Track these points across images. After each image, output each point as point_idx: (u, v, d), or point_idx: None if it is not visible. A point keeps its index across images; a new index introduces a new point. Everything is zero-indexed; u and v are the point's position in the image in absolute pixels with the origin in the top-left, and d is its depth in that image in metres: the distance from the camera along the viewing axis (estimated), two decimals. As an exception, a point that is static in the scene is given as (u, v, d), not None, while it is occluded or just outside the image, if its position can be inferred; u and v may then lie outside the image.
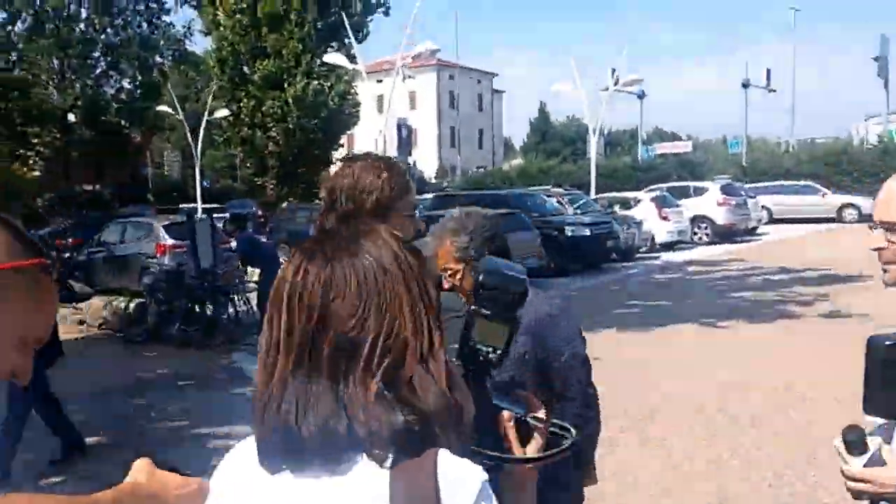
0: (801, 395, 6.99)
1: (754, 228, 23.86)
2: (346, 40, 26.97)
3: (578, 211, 19.56)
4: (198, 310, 11.15)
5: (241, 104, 32.04)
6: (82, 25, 35.70)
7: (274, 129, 31.89)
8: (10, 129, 30.49)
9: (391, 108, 22.30)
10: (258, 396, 0.96)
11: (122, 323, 11.76)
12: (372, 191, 1.78)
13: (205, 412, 7.13)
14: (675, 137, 55.34)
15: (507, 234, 10.61)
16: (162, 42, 36.57)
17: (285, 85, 31.82)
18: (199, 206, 25.38)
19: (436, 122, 61.57)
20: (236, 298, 11.33)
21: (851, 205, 26.05)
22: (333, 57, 23.79)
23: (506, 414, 1.16)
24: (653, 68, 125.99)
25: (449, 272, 2.37)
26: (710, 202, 22.10)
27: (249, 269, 12.23)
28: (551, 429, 1.20)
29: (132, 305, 11.78)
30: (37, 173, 32.69)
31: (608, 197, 23.18)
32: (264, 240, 15.17)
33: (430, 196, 24.27)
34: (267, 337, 0.97)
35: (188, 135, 31.19)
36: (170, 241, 15.21)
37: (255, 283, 11.56)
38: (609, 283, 15.44)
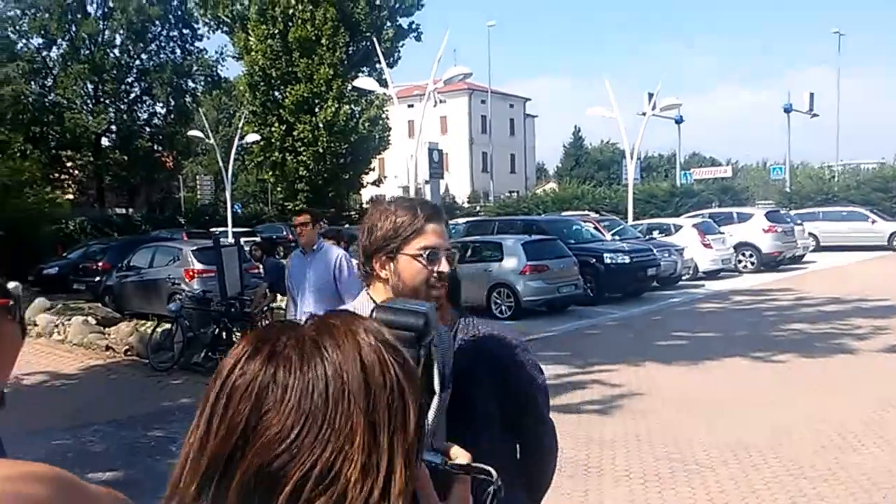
0: (864, 436, 6.44)
1: (801, 256, 23.01)
2: (377, 65, 26.77)
3: (616, 237, 19.03)
4: (224, 336, 10.75)
5: (272, 128, 32.05)
6: (117, 51, 36.11)
7: (304, 153, 31.81)
8: (44, 153, 30.78)
9: (422, 132, 21.96)
10: None
11: (147, 349, 11.41)
12: (378, 230, 1.86)
13: None
14: (713, 163, 54.51)
15: (544, 262, 9.77)
16: (195, 68, 36.80)
17: (316, 109, 31.75)
18: (230, 229, 25.24)
19: (467, 147, 61.32)
20: (263, 325, 10.85)
21: (903, 232, 25.20)
22: (363, 81, 23.64)
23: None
24: (690, 93, 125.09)
25: None
26: (755, 229, 21.30)
27: (278, 295, 11.80)
28: (474, 474, 1.02)
29: (158, 331, 11.41)
30: (70, 196, 32.94)
31: (647, 223, 22.56)
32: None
33: (461, 221, 23.87)
34: (185, 447, 0.74)
35: (219, 158, 31.22)
36: (199, 266, 15.00)
37: (283, 309, 11.11)
38: (651, 312, 14.84)
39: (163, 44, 36.81)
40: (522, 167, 67.14)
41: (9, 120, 28.41)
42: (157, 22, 35.86)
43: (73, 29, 34.38)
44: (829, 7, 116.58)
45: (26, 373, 10.34)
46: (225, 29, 34.41)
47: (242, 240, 16.62)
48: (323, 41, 31.73)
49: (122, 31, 35.35)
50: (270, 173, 33.61)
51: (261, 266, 11.84)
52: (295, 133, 31.82)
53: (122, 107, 36.33)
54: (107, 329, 12.94)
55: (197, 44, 37.45)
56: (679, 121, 36.96)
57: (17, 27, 33.69)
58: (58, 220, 26.14)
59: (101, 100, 35.84)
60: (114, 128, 35.63)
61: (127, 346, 12.03)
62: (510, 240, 15.20)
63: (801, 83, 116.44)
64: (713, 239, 20.02)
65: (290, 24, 31.91)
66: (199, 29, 36.53)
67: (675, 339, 11.77)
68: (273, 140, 32.20)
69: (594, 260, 15.93)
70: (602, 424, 7.09)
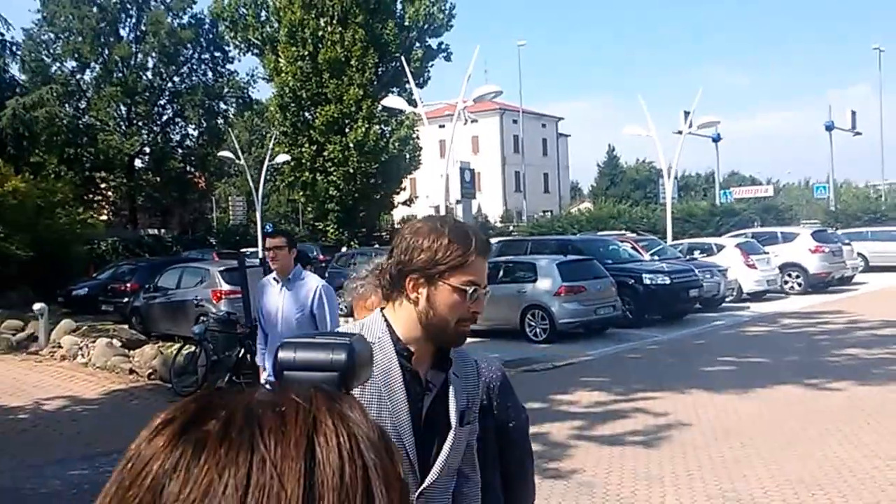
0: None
1: (851, 277, 22.21)
2: (407, 85, 26.61)
3: (656, 257, 18.49)
4: (249, 359, 10.38)
5: (303, 149, 32.03)
6: (149, 74, 36.52)
7: (334, 173, 31.72)
8: (78, 174, 31.03)
9: (452, 151, 21.63)
10: None
11: (171, 373, 11.13)
12: (423, 251, 1.75)
13: None
14: (753, 182, 53.62)
15: (580, 283, 9.16)
16: (226, 90, 37.02)
17: (346, 130, 31.68)
18: (260, 249, 25.01)
19: (500, 167, 61.04)
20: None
21: (955, 252, 24.23)
22: (392, 100, 23.50)
23: None
24: (727, 112, 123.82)
25: None
26: (802, 249, 20.57)
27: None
28: None
29: (182, 354, 11.11)
30: (104, 217, 33.12)
31: (688, 242, 21.96)
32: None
33: (494, 241, 23.49)
34: None
35: (249, 179, 31.24)
36: (226, 287, 14.80)
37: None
38: (694, 336, 14.29)
39: (194, 66, 37.14)
40: (556, 186, 66.72)
41: (43, 142, 28.65)
42: (188, 45, 36.20)
43: (106, 52, 34.82)
44: (867, 23, 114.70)
45: (46, 398, 10.17)
46: (255, 51, 34.58)
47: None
48: (352, 62, 31.72)
49: (154, 54, 35.74)
50: (301, 193, 33.55)
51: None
52: (325, 153, 31.75)
53: (155, 128, 36.68)
54: (131, 351, 12.78)
55: (228, 66, 37.86)
56: (717, 139, 36.42)
57: (51, 51, 34.24)
58: (90, 241, 26.17)
59: (134, 122, 36.21)
60: (147, 149, 35.94)
61: (151, 370, 11.85)
62: (544, 260, 14.84)
63: (842, 101, 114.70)
64: (757, 259, 19.40)
65: (320, 45, 31.94)
66: (229, 51, 36.84)
67: (721, 364, 11.26)
68: (303, 160, 32.18)
69: (633, 280, 15.49)
70: (648, 458, 6.64)
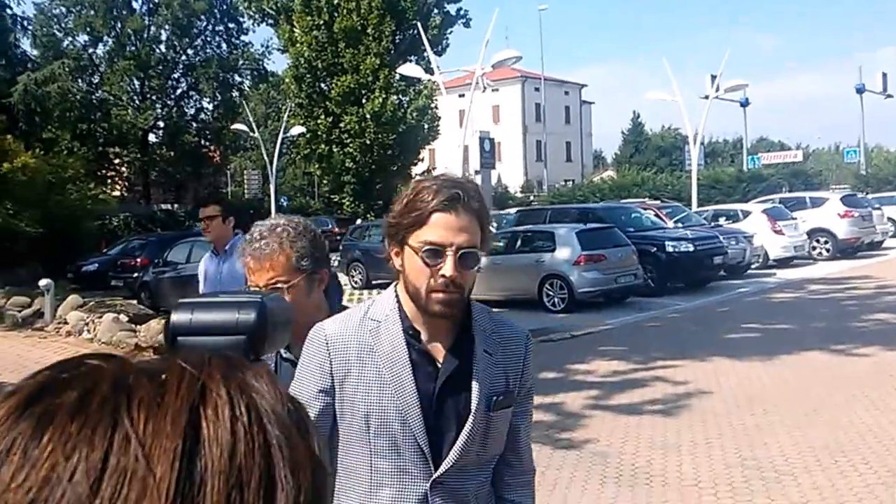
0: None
1: (881, 242, 21.70)
2: (425, 54, 26.10)
3: (679, 224, 18.03)
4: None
5: (319, 121, 31.66)
6: (162, 47, 36.31)
7: (351, 144, 31.34)
8: (91, 150, 30.93)
9: (472, 120, 21.20)
10: None
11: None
12: (392, 213, 1.68)
13: None
14: (782, 147, 52.64)
15: (600, 251, 8.55)
16: (241, 62, 36.68)
17: (363, 100, 31.24)
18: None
19: (521, 136, 60.46)
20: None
21: None
22: (409, 68, 23.11)
23: None
24: (755, 76, 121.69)
25: (276, 285, 1.99)
26: (831, 214, 20.01)
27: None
28: None
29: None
30: (117, 193, 33.07)
31: (713, 209, 21.49)
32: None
33: (513, 211, 23.20)
34: None
35: (264, 153, 30.99)
36: None
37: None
38: (718, 303, 13.93)
39: (208, 38, 36.83)
40: (579, 155, 66.08)
41: (55, 118, 28.50)
42: (202, 17, 35.90)
43: (119, 26, 34.59)
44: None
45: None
46: (270, 21, 34.19)
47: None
48: (369, 31, 31.24)
49: (167, 27, 35.48)
50: (317, 166, 33.29)
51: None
52: (341, 125, 31.38)
53: (169, 102, 36.53)
54: (138, 326, 12.62)
55: (242, 37, 37.55)
56: (745, 104, 35.82)
57: (63, 25, 34.05)
58: (101, 217, 26.08)
59: (148, 96, 36.06)
60: (161, 123, 35.81)
61: (157, 344, 11.66)
62: (563, 228, 14.55)
63: (872, 64, 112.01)
64: (784, 225, 18.89)
65: (336, 14, 31.47)
66: (244, 23, 36.49)
67: (745, 331, 10.96)
68: (319, 132, 31.84)
69: (655, 248, 15.11)
70: (665, 426, 6.45)
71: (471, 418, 1.65)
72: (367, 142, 31.21)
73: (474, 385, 1.66)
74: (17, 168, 20.28)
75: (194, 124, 36.86)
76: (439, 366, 1.67)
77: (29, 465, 0.41)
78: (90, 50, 35.00)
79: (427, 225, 1.61)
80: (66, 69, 26.59)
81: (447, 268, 1.59)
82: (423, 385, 1.65)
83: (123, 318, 13.18)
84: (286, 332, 0.78)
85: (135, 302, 16.31)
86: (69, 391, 0.43)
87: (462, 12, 34.25)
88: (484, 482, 1.73)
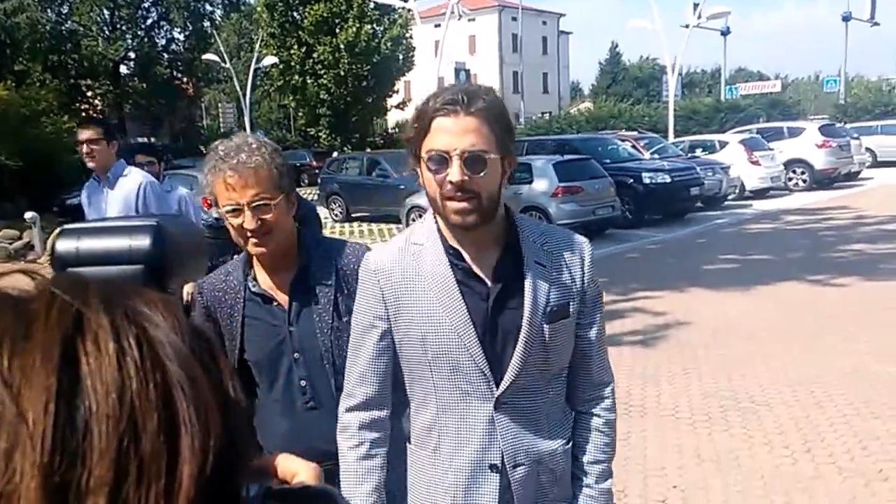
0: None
1: (857, 173, 21.72)
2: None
3: (656, 156, 17.96)
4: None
5: (292, 51, 30.94)
6: (131, -26, 35.00)
7: (325, 76, 30.73)
8: (63, 82, 30.16)
9: (446, 51, 20.84)
10: None
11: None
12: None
13: None
14: (761, 77, 52.36)
15: (577, 183, 8.59)
16: (212, -11, 35.60)
17: (336, 30, 30.50)
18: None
19: (497, 67, 59.63)
20: None
21: (967, 146, 23.82)
22: (384, -6, 22.46)
23: None
24: (738, 2, 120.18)
25: (260, 203, 1.88)
26: (808, 144, 19.96)
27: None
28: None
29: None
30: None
31: (689, 140, 21.39)
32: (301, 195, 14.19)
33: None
34: None
35: (237, 85, 30.35)
36: None
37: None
38: (695, 235, 14.00)
39: (179, -35, 35.54)
40: (556, 87, 65.40)
41: (26, 49, 27.66)
42: (171, -58, 34.55)
43: (86, -48, 33.29)
44: None
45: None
46: (241, -54, 33.05)
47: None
48: (343, -44, 30.28)
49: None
50: (291, 98, 32.68)
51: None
52: (315, 55, 30.70)
53: (140, 33, 35.51)
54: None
55: (215, -36, 36.12)
56: (725, 32, 35.40)
57: (28, -49, 32.65)
58: (77, 150, 25.58)
59: (118, 26, 35.01)
60: (132, 55, 34.85)
61: None
62: (540, 160, 14.35)
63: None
64: (761, 155, 18.84)
65: (308, -62, 30.43)
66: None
67: (723, 262, 11.03)
68: (293, 63, 31.16)
69: (632, 180, 15.04)
70: (645, 357, 6.52)
71: (524, 333, 1.62)
72: (342, 73, 30.59)
73: (526, 298, 1.63)
74: (-11, 100, 19.81)
75: (165, 55, 35.90)
76: (488, 284, 1.64)
77: None
78: (58, -21, 33.79)
79: (430, 133, 1.58)
80: (35, -1, 25.77)
81: (453, 173, 1.55)
82: (474, 305, 1.63)
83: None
84: (198, 260, 0.71)
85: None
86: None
87: (438, -63, 33.38)
88: (555, 399, 1.71)
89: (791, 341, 6.75)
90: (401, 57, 32.42)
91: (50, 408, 0.35)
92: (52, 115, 23.26)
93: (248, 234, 1.89)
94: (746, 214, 16.34)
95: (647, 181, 15.09)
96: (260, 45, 31.13)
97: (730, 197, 17.78)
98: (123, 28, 35.24)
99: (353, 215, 17.78)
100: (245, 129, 28.20)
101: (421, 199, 15.14)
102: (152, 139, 35.30)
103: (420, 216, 11.92)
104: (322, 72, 30.82)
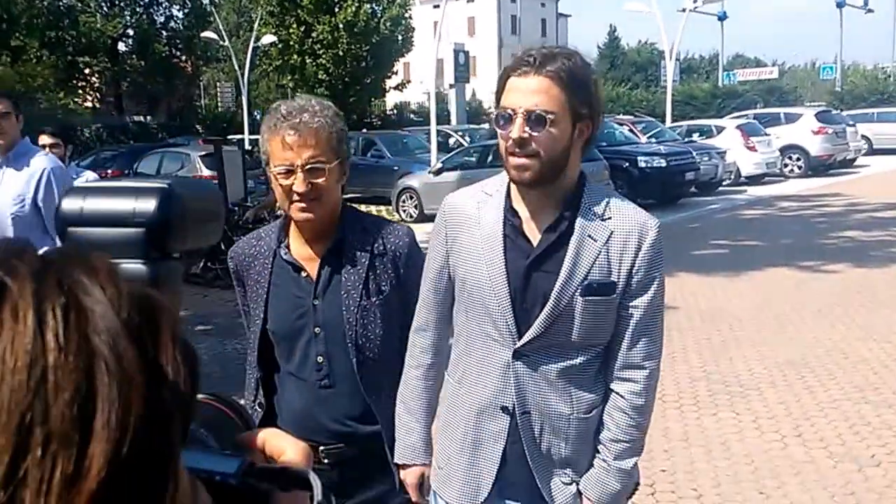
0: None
1: (853, 160, 21.74)
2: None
3: (653, 140, 17.97)
4: (224, 247, 10.09)
5: (291, 30, 30.71)
6: (130, -50, 34.71)
7: (324, 55, 30.54)
8: (61, 59, 29.98)
9: (445, 32, 20.72)
10: None
11: (146, 260, 10.89)
12: None
13: (214, 363, 6.07)
14: (758, 64, 52.21)
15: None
16: (211, -34, 35.30)
17: (335, 9, 30.29)
18: (247, 137, 24.38)
19: (496, 50, 59.35)
20: None
21: (964, 135, 23.81)
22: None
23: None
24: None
25: (316, 165, 1.85)
26: (804, 131, 19.99)
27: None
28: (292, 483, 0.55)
29: (156, 241, 10.86)
30: (90, 104, 32.28)
31: (686, 125, 21.40)
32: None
33: (487, 126, 23.00)
34: None
35: (235, 64, 30.17)
36: (207, 172, 14.55)
37: (287, 218, 10.42)
38: (688, 220, 14.02)
39: (178, -59, 35.26)
40: (555, 71, 65.07)
41: (23, 24, 27.46)
42: (170, -83, 34.26)
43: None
44: None
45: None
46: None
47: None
48: (343, -66, 29.98)
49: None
50: (289, 78, 32.42)
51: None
52: (314, 34, 30.42)
53: (138, 9, 35.18)
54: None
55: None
56: (722, 17, 35.31)
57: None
58: (73, 127, 25.49)
59: (117, 2, 34.70)
60: (130, 32, 34.58)
61: None
62: None
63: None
64: (758, 141, 18.88)
65: (308, -85, 30.08)
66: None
67: (713, 248, 11.06)
68: (291, 42, 30.88)
69: (627, 164, 15.09)
70: None
71: (553, 299, 1.67)
72: (340, 53, 30.36)
73: (564, 267, 1.66)
74: (-19, 75, 19.74)
75: (164, 33, 35.60)
76: (533, 244, 1.70)
77: None
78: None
79: (508, 89, 1.66)
80: (32, -27, 25.57)
81: (514, 130, 1.61)
82: (513, 261, 1.70)
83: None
84: (210, 227, 0.70)
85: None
86: None
87: (439, -84, 33.05)
88: (581, 367, 1.73)
89: (780, 326, 6.78)
90: (400, 37, 32.17)
91: None
92: (48, 91, 23.18)
93: (296, 197, 1.85)
94: (740, 200, 16.37)
95: (642, 165, 15.12)
96: (259, 24, 30.91)
97: (725, 182, 17.82)
98: (122, 4, 34.95)
99: (344, 196, 17.78)
100: (242, 109, 28.19)
101: (412, 181, 15.14)
102: (149, 117, 35.17)
103: (411, 198, 12.04)
104: (321, 51, 30.59)
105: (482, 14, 58.04)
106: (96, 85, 35.43)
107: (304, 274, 1.96)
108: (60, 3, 33.35)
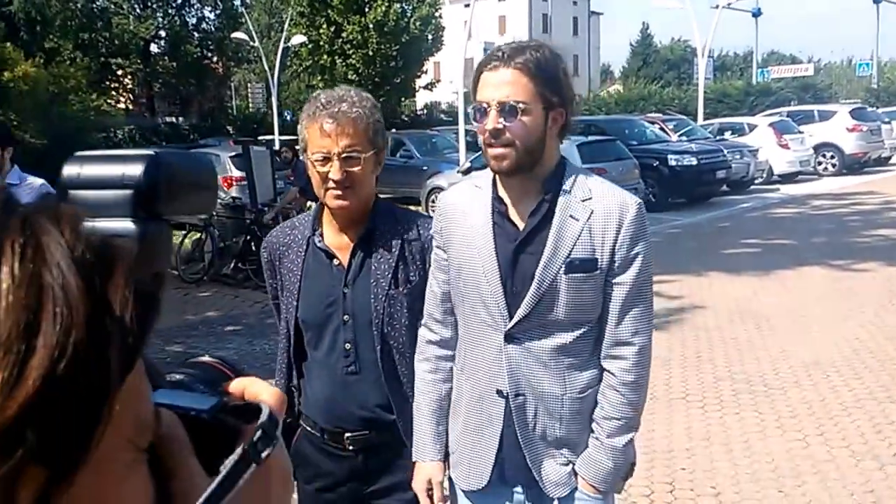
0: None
1: (888, 158, 21.35)
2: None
3: (684, 138, 17.78)
4: (254, 247, 10.25)
5: (321, 30, 30.90)
6: (163, -47, 35.15)
7: (353, 55, 30.69)
8: (94, 60, 30.44)
9: (476, 31, 20.70)
10: None
11: (178, 260, 11.01)
12: None
13: (242, 362, 6.09)
14: (793, 61, 51.47)
15: (601, 164, 8.62)
16: (243, -33, 35.63)
17: (365, 9, 30.43)
18: (277, 137, 24.57)
19: (527, 49, 59.23)
20: None
21: None
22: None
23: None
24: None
25: (352, 154, 1.89)
26: (839, 128, 19.66)
27: (309, 202, 11.16)
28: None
29: (189, 240, 11.01)
30: (122, 106, 32.74)
31: (718, 122, 21.15)
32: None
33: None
34: None
35: (265, 65, 30.41)
36: (236, 174, 14.62)
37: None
38: (719, 219, 13.93)
39: (210, -56, 35.64)
40: (586, 69, 64.73)
41: (57, 26, 27.98)
42: (202, -80, 34.64)
43: (119, -69, 33.48)
44: None
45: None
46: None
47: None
48: (373, -66, 30.09)
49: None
50: (319, 78, 32.63)
51: (292, 170, 11.22)
52: (344, 34, 30.60)
53: (171, 11, 35.61)
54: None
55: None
56: (756, 14, 34.86)
57: (59, -70, 32.94)
58: (106, 129, 25.86)
59: (149, 4, 35.19)
60: (162, 33, 35.03)
61: None
62: (564, 141, 14.22)
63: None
64: (791, 139, 18.58)
65: (338, -83, 30.25)
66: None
67: (744, 247, 10.94)
68: (321, 42, 31.09)
69: (657, 162, 15.00)
70: (656, 341, 6.25)
71: (537, 277, 1.73)
72: (370, 52, 30.50)
73: (547, 246, 1.73)
74: (17, 77, 19.96)
75: (196, 34, 36.01)
76: (519, 228, 1.78)
77: None
78: (89, -43, 34.03)
79: (478, 87, 1.73)
80: (66, -24, 26.02)
81: (489, 122, 1.68)
82: (502, 246, 1.77)
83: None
84: (201, 195, 0.76)
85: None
86: None
87: (469, -84, 33.02)
88: (572, 346, 1.78)
89: (808, 325, 6.69)
90: (430, 37, 32.23)
91: None
92: (81, 93, 23.46)
93: (332, 184, 1.90)
94: (773, 199, 16.17)
95: (672, 163, 15.01)
96: (289, 24, 31.13)
97: (757, 181, 17.61)
98: (154, 6, 35.46)
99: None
100: (272, 110, 28.42)
101: (441, 181, 15.16)
102: (181, 118, 35.56)
103: (439, 197, 11.79)
104: (350, 51, 30.76)
105: (513, 13, 57.88)
106: (129, 86, 35.98)
107: (336, 261, 2.02)
108: (94, 5, 33.91)
